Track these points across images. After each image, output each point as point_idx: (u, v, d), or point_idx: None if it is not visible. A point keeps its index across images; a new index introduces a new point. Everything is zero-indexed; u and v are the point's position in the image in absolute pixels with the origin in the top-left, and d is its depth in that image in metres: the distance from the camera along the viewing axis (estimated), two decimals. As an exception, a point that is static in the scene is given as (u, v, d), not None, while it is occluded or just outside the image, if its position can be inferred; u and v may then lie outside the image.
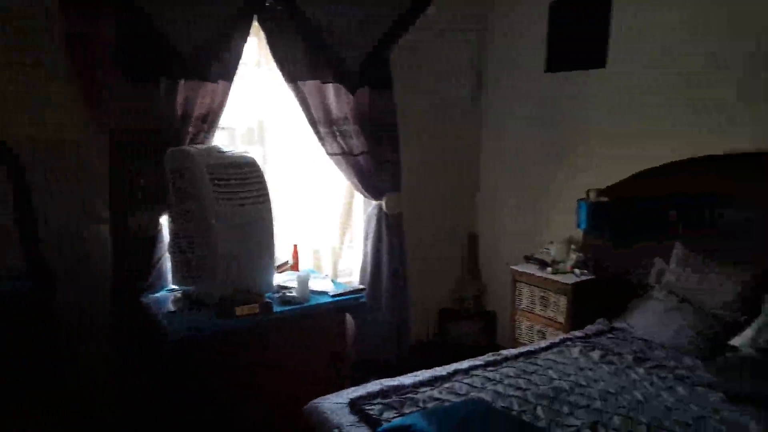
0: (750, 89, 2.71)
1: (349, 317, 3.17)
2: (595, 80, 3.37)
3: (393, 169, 3.62)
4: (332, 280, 3.39)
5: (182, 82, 2.83)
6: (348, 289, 3.08)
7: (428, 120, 3.95)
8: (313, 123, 3.32)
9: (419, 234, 4.00)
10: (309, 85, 3.23)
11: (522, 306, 3.45)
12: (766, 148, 2.64)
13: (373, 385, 2.32)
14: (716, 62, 2.82)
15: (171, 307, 2.74)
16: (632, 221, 3.15)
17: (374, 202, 3.64)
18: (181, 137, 2.89)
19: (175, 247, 2.81)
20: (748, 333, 2.48)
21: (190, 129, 2.92)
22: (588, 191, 3.26)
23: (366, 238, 3.72)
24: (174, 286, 2.99)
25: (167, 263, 2.98)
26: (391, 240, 3.67)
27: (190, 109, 2.89)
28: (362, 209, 3.79)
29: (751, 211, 2.69)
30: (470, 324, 4.15)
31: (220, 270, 2.65)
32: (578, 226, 3.24)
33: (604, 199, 3.20)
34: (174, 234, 2.83)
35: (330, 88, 3.28)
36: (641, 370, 2.49)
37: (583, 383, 2.39)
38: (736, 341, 2.51)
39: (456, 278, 4.30)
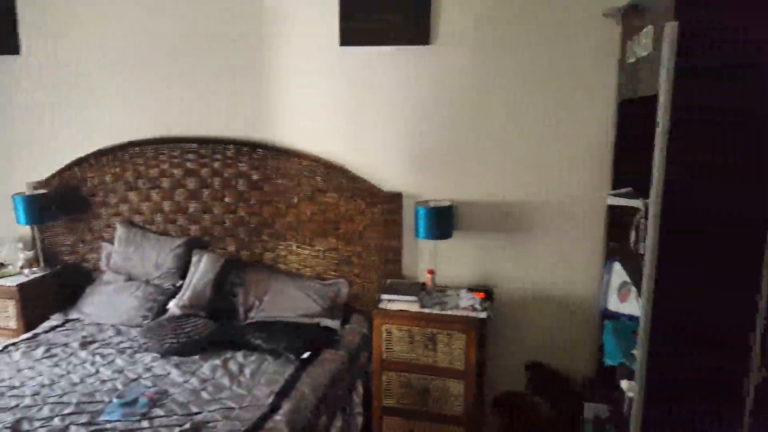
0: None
1: None
2: (13, 68, 3.20)
3: None
4: None
5: None
6: None
7: None
8: None
9: None
10: None
11: (-37, 323, 3.02)
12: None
13: None
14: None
15: None
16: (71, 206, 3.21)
17: None
18: None
19: None
20: (178, 295, 2.91)
21: None
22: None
23: None
24: None
25: None
26: None
27: None
28: None
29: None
30: None
31: None
32: (19, 221, 3.05)
33: (42, 190, 3.11)
34: None
35: None
36: (84, 354, 2.58)
37: (17, 384, 2.31)
38: (170, 304, 2.90)
39: None
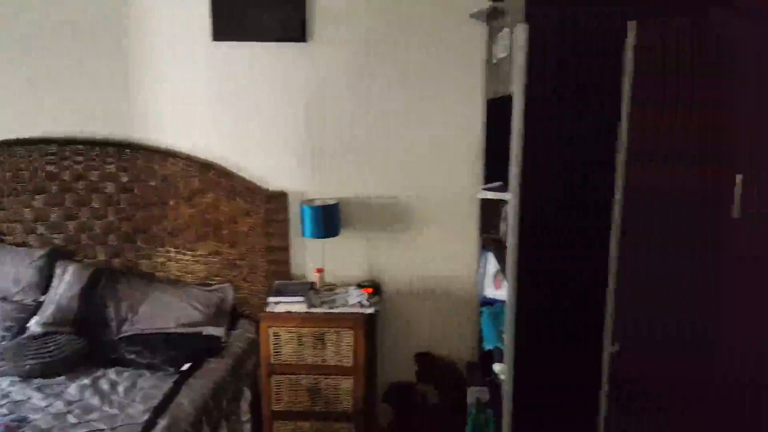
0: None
1: None
2: None
3: None
4: None
5: None
6: None
7: None
8: None
9: None
10: None
11: None
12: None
13: None
14: None
15: None
16: None
17: None
18: None
19: None
20: (40, 311, 2.65)
21: None
22: None
23: None
24: None
25: None
26: None
27: None
28: None
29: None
30: None
31: None
32: None
33: None
34: None
35: None
36: (-71, 385, 2.28)
37: None
38: (31, 322, 2.63)
39: None
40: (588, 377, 1.82)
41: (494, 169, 2.54)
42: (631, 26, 1.58)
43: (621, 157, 1.67)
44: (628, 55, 1.59)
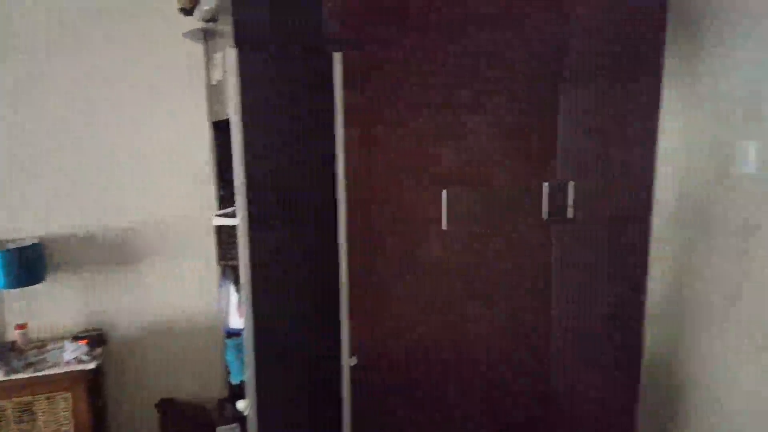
0: None
1: None
2: None
3: None
4: None
5: None
6: None
7: None
8: None
9: None
10: None
11: None
12: None
13: None
14: None
15: None
16: None
17: None
18: None
19: None
20: None
21: None
22: None
23: None
24: None
25: None
26: None
27: None
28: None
29: None
30: None
31: None
32: None
33: None
34: None
35: None
36: None
37: None
38: None
39: None
40: (328, 391, 1.85)
41: (231, 193, 2.45)
42: (337, 58, 1.67)
43: (340, 173, 1.72)
44: (336, 85, 1.66)
